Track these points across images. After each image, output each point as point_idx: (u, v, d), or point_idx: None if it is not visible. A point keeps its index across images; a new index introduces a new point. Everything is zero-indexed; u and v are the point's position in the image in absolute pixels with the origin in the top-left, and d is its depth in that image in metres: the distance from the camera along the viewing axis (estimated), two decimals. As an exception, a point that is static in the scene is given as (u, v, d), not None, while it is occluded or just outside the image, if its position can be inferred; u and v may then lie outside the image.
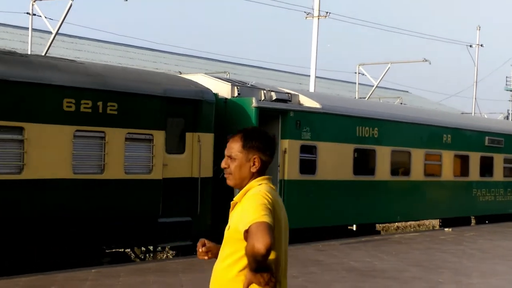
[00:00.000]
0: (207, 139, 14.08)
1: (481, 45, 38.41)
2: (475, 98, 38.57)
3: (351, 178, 17.44)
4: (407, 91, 52.76)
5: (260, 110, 15.09)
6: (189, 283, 10.39)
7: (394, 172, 18.81)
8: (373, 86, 27.44)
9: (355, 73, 28.61)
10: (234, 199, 3.78)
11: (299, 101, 16.73)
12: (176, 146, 13.51)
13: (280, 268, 3.69)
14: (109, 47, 35.15)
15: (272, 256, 3.58)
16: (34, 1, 18.61)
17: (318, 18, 25.13)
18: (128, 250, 14.35)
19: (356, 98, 21.99)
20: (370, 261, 13.38)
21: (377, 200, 18.31)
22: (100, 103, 12.03)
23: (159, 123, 13.07)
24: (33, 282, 9.87)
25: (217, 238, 15.23)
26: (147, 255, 14.03)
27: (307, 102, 16.70)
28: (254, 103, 14.96)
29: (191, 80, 14.56)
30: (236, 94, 15.38)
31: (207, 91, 14.25)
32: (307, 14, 25.52)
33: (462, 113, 30.41)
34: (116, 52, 34.24)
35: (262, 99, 15.56)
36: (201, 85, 14.40)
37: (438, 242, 17.04)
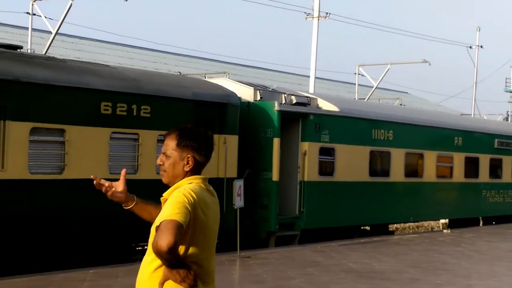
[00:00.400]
0: (232, 141, 14.69)
1: (481, 47, 38.70)
2: (475, 99, 38.84)
3: (367, 179, 18.06)
4: (407, 92, 52.73)
5: (282, 114, 15.71)
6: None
7: (407, 173, 19.43)
8: (372, 87, 27.60)
9: (355, 74, 28.73)
10: (163, 195, 3.76)
11: (317, 104, 17.34)
12: (203, 147, 14.09)
13: (203, 267, 3.70)
14: (109, 47, 35.38)
15: (193, 254, 3.64)
16: (34, 1, 18.66)
17: (318, 19, 25.21)
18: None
19: (356, 99, 22.40)
20: (368, 262, 13.43)
21: (391, 201, 18.94)
22: (134, 106, 12.65)
23: (188, 126, 13.66)
24: (31, 283, 9.96)
25: (243, 237, 15.77)
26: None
27: (325, 106, 17.31)
28: (276, 107, 15.58)
29: (217, 84, 15.17)
30: (258, 98, 16.00)
31: (233, 94, 14.87)
32: (307, 15, 25.62)
33: (462, 114, 30.72)
34: (116, 52, 34.42)
35: (283, 102, 16.17)
36: (227, 89, 15.01)
37: (437, 243, 17.13)
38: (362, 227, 19.19)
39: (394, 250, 15.48)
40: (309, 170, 16.29)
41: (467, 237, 18.76)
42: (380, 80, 27.86)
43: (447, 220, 19.90)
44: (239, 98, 15.20)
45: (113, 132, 12.34)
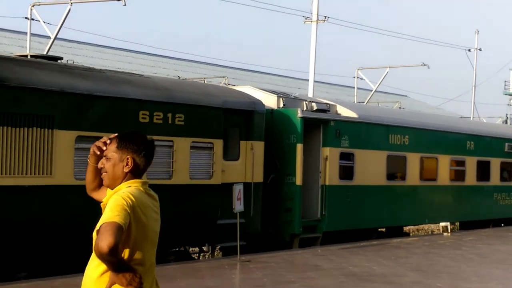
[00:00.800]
0: (259, 146, 15.37)
1: (480, 49, 38.81)
2: (474, 102, 38.97)
3: (384, 183, 18.74)
4: (406, 95, 52.68)
5: (305, 120, 16.39)
6: (187, 288, 10.53)
7: (422, 177, 20.10)
8: (372, 90, 27.68)
9: (354, 77, 28.77)
10: (103, 201, 3.89)
11: (336, 111, 18.02)
12: (232, 153, 14.80)
13: (146, 267, 3.81)
14: (108, 51, 35.56)
15: (137, 256, 3.75)
16: (33, 6, 18.74)
17: (317, 23, 25.29)
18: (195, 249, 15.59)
19: (355, 102, 22.83)
20: (368, 265, 13.47)
21: (407, 203, 19.62)
22: (169, 115, 13.32)
23: (218, 132, 14.36)
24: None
25: (267, 240, 16.72)
26: (201, 254, 15.30)
27: (344, 112, 17.99)
28: (299, 114, 16.25)
29: (243, 92, 15.85)
30: (281, 105, 16.67)
31: (259, 102, 15.55)
32: (306, 19, 25.61)
33: (461, 117, 30.98)
34: (115, 57, 34.62)
35: (304, 109, 16.84)
36: (253, 97, 15.69)
37: (437, 246, 17.21)
38: (379, 229, 19.86)
39: (394, 253, 15.57)
40: (330, 175, 16.97)
41: (467, 240, 18.87)
42: (379, 84, 27.94)
43: (447, 223, 20.42)
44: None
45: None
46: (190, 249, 15.04)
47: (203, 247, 15.14)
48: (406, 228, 22.20)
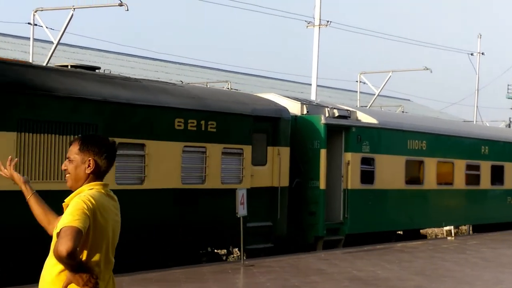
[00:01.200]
0: (285, 152, 16.01)
1: (482, 53, 38.87)
2: (477, 106, 39.11)
3: (403, 187, 19.37)
4: (409, 99, 52.70)
5: (328, 126, 17.03)
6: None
7: (439, 181, 20.73)
8: (374, 94, 27.85)
9: (357, 81, 28.88)
10: (65, 201, 3.95)
11: (357, 117, 18.65)
12: (259, 158, 15.44)
13: (103, 268, 3.93)
14: (111, 56, 35.88)
15: (95, 257, 3.86)
16: (35, 11, 18.89)
17: (319, 27, 25.41)
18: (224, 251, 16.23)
19: (358, 106, 23.16)
20: (373, 270, 13.51)
21: (425, 207, 20.25)
22: (202, 122, 13.97)
23: (247, 139, 15.01)
24: None
25: (292, 242, 17.34)
26: (228, 256, 15.93)
27: (364, 118, 18.63)
28: (323, 120, 16.90)
29: (270, 100, 16.50)
30: (305, 111, 17.32)
31: (284, 109, 16.19)
32: (308, 23, 25.51)
33: (464, 121, 31.23)
34: (118, 62, 34.86)
35: (327, 115, 17.48)
36: (279, 104, 16.33)
37: (441, 250, 17.23)
38: (397, 232, 20.48)
39: (398, 257, 15.64)
40: (352, 179, 17.60)
41: (472, 244, 18.99)
42: (382, 88, 27.99)
43: (451, 227, 20.89)
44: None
45: (185, 146, 13.66)
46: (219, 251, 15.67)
47: (229, 249, 15.78)
48: (422, 231, 22.83)
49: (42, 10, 18.85)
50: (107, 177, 11.52)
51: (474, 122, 36.26)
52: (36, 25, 19.06)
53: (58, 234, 3.70)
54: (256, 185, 15.20)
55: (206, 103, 14.24)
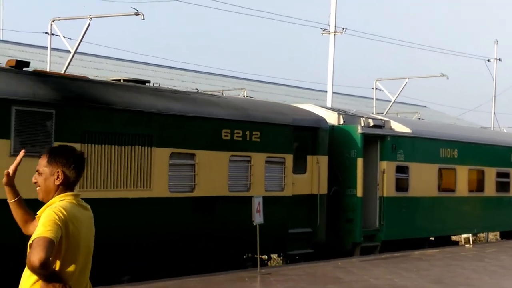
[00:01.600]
0: (323, 160, 16.76)
1: (499, 59, 39.08)
2: (494, 113, 39.19)
3: (436, 194, 20.04)
4: (425, 106, 52.44)
5: (364, 136, 17.75)
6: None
7: (470, 188, 21.37)
8: (390, 101, 27.96)
9: (372, 88, 29.00)
10: (38, 213, 4.06)
11: (390, 126, 19.36)
12: (300, 167, 16.19)
13: (78, 278, 4.03)
14: (127, 65, 36.24)
15: (68, 267, 3.96)
16: (53, 21, 19.17)
17: (335, 34, 25.73)
18: (265, 256, 16.97)
19: (374, 113, 23.54)
20: (390, 278, 13.54)
21: (457, 214, 20.90)
22: (247, 132, 14.76)
23: (289, 148, 15.78)
24: None
25: (330, 248, 17.83)
26: (269, 261, 16.65)
27: (397, 127, 19.33)
28: (359, 130, 17.63)
29: (308, 110, 17.27)
30: (342, 121, 18.06)
31: (323, 119, 16.95)
32: (323, 30, 25.84)
33: (481, 128, 31.37)
34: (134, 70, 35.03)
35: (362, 125, 18.20)
36: (318, 114, 17.09)
37: (459, 258, 17.29)
38: (430, 238, 21.13)
39: (415, 265, 15.69)
40: (387, 187, 18.31)
41: (490, 252, 19.00)
42: (398, 95, 28.06)
43: (469, 235, 21.27)
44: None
45: (232, 155, 14.45)
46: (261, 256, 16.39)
47: (271, 255, 16.53)
48: (454, 237, 23.44)
49: (59, 20, 19.07)
50: (160, 186, 12.28)
51: (492, 129, 36.34)
52: (53, 34, 19.34)
53: (30, 245, 3.79)
54: (297, 193, 15.95)
55: (250, 114, 15.03)
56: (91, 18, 17.58)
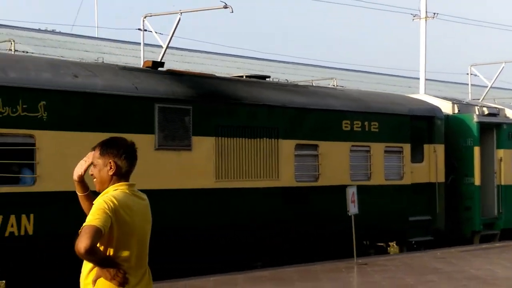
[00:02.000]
0: (440, 149, 17.19)
1: None
2: None
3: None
4: None
5: (480, 124, 18.04)
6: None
7: None
8: (486, 86, 26.93)
9: (467, 74, 28.46)
10: (94, 202, 4.23)
11: (505, 114, 19.52)
12: (417, 156, 16.69)
13: (134, 264, 4.18)
14: (218, 58, 36.59)
15: (122, 253, 4.13)
16: (145, 17, 19.71)
17: (426, 19, 25.30)
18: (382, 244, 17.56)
19: (469, 99, 23.28)
20: (491, 268, 13.28)
21: None
22: (366, 123, 15.41)
23: (406, 137, 16.31)
24: None
25: (449, 236, 17.89)
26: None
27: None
28: (475, 119, 17.94)
29: (424, 100, 17.74)
30: (456, 111, 18.41)
31: (438, 108, 17.39)
32: (414, 16, 25.50)
33: None
34: (224, 63, 35.61)
35: (477, 114, 18.48)
36: (433, 104, 17.55)
37: None
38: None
39: None
40: (505, 175, 18.52)
41: None
42: (495, 80, 26.97)
43: None
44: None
45: (352, 145, 15.14)
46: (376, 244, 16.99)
47: (389, 242, 17.09)
48: None
49: (151, 16, 19.58)
50: (287, 176, 13.08)
51: None
52: (146, 30, 19.89)
53: (80, 232, 4.01)
54: (416, 181, 16.46)
55: (368, 105, 15.68)
56: (181, 13, 17.84)
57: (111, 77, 11.78)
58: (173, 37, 18.29)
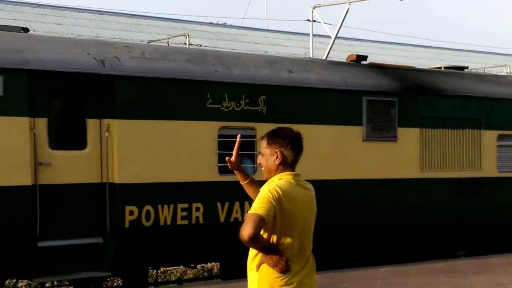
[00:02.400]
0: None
1: None
2: None
3: None
4: None
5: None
6: (479, 285, 10.52)
7: None
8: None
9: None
10: (260, 189, 4.37)
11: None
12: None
13: (296, 252, 4.29)
14: (385, 47, 36.53)
15: (285, 241, 4.25)
16: (314, 8, 19.94)
17: None
18: None
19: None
20: None
21: None
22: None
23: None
24: (326, 279, 10.57)
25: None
26: None
27: None
28: None
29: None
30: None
31: None
32: None
33: None
34: (393, 52, 35.39)
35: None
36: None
37: None
38: None
39: None
40: None
41: None
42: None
43: None
44: None
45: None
46: None
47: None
48: None
49: (320, 7, 19.78)
50: (489, 166, 12.88)
51: None
52: (314, 21, 20.16)
53: (245, 219, 4.17)
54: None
55: None
56: (349, 3, 18.00)
57: (322, 72, 12.45)
58: (341, 28, 18.40)
